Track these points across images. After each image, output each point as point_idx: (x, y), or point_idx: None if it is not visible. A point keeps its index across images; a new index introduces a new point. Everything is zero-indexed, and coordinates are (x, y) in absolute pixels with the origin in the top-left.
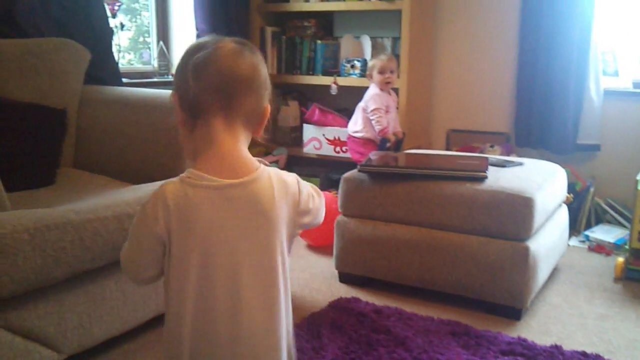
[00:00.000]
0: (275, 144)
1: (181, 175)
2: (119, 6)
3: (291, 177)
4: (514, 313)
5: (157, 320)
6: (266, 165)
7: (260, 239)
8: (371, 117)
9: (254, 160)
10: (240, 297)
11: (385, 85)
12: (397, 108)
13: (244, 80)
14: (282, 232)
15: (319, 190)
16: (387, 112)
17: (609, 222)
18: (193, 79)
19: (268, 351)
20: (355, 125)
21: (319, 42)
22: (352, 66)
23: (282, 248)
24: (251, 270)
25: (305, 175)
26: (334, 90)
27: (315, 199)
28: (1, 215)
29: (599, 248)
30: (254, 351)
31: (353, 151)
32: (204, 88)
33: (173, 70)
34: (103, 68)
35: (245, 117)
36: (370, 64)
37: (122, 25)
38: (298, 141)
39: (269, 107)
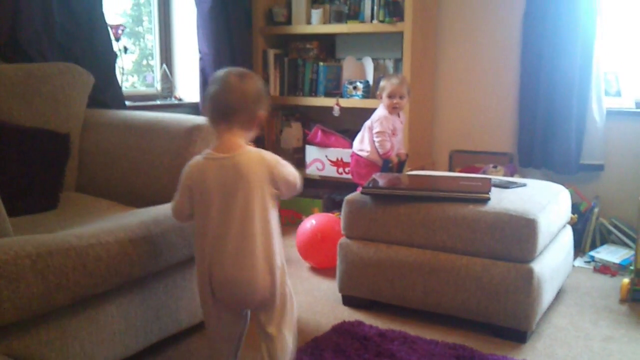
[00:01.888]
0: None
1: (203, 153)
2: (123, 30)
3: (270, 155)
4: (519, 336)
5: (158, 346)
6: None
7: (240, 191)
8: (375, 139)
9: (244, 145)
10: (228, 226)
11: (392, 110)
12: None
13: (235, 107)
14: (257, 187)
15: (293, 176)
16: (393, 134)
17: (614, 243)
18: (208, 105)
19: (245, 267)
20: (362, 143)
21: (321, 64)
22: (355, 87)
23: (259, 198)
24: (236, 210)
25: (308, 197)
26: (336, 111)
27: (289, 184)
28: (3, 241)
29: (604, 269)
30: (235, 263)
31: (354, 172)
32: (213, 111)
33: (176, 93)
34: (106, 92)
35: (240, 124)
36: (381, 84)
37: (126, 49)
38: (301, 162)
39: (261, 114)
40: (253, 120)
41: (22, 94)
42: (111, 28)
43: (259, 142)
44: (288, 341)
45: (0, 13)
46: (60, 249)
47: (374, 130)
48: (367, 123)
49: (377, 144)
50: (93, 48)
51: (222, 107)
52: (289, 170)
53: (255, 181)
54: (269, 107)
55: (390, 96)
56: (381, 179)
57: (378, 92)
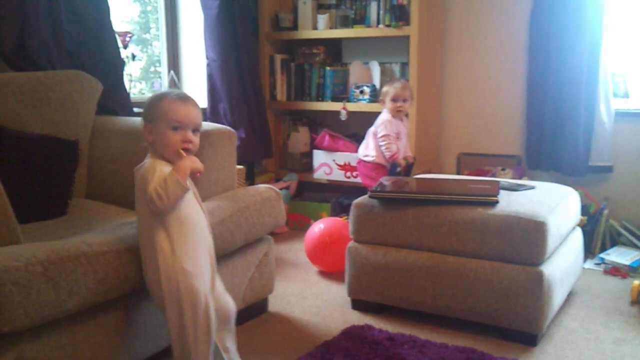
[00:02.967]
0: (285, 170)
1: None
2: (130, 37)
3: (147, 166)
4: (529, 339)
5: (169, 351)
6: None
7: (136, 196)
8: (380, 144)
9: (147, 158)
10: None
11: (396, 113)
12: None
13: None
14: (137, 195)
15: (150, 188)
16: (397, 138)
17: (624, 244)
18: None
19: (144, 269)
20: (366, 149)
21: (327, 68)
22: (361, 92)
23: (139, 205)
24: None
25: (316, 201)
26: (343, 115)
27: (146, 187)
28: (15, 249)
29: (614, 271)
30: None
31: (363, 175)
32: None
33: None
34: (114, 99)
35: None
36: (384, 90)
37: (134, 56)
38: (308, 167)
39: (144, 127)
40: (144, 133)
41: (31, 101)
42: (119, 35)
43: (267, 148)
44: (176, 342)
45: (8, 21)
46: (71, 255)
47: (379, 135)
48: (371, 129)
49: (383, 148)
50: (101, 55)
51: None
52: (151, 184)
53: (137, 190)
54: (154, 118)
55: (393, 100)
56: (389, 183)
57: (381, 98)
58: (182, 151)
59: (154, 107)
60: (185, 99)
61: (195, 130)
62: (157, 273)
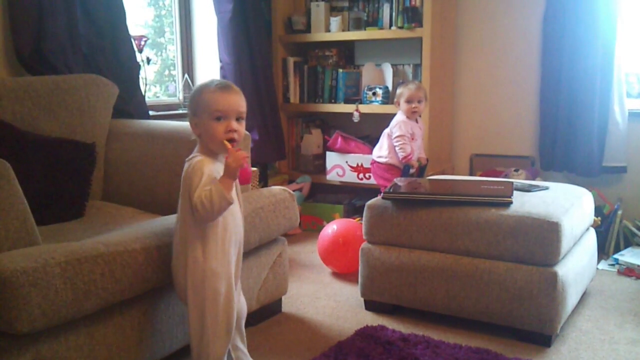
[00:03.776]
0: (298, 172)
1: None
2: (145, 41)
3: (193, 167)
4: (544, 339)
5: (184, 351)
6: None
7: (181, 190)
8: (395, 144)
9: (194, 154)
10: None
11: (411, 114)
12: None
13: None
14: (181, 191)
15: (195, 197)
16: (412, 139)
17: (638, 245)
18: None
19: (173, 261)
20: (380, 150)
21: (340, 70)
22: (374, 93)
23: (182, 202)
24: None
25: (328, 203)
26: (356, 117)
27: (191, 202)
28: (33, 250)
29: (628, 271)
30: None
31: (377, 176)
32: None
33: None
34: (130, 102)
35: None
36: (398, 91)
37: (149, 60)
38: (321, 169)
39: (190, 121)
40: (191, 127)
41: (49, 105)
42: (134, 39)
43: (280, 150)
44: (195, 340)
45: (24, 26)
46: (88, 256)
47: (394, 135)
48: (386, 130)
49: (397, 148)
50: (117, 59)
51: None
52: (196, 192)
53: (182, 186)
54: (200, 111)
55: (408, 101)
56: (402, 184)
57: (395, 100)
58: (227, 142)
59: (197, 100)
60: (226, 88)
61: (240, 118)
62: (185, 269)
